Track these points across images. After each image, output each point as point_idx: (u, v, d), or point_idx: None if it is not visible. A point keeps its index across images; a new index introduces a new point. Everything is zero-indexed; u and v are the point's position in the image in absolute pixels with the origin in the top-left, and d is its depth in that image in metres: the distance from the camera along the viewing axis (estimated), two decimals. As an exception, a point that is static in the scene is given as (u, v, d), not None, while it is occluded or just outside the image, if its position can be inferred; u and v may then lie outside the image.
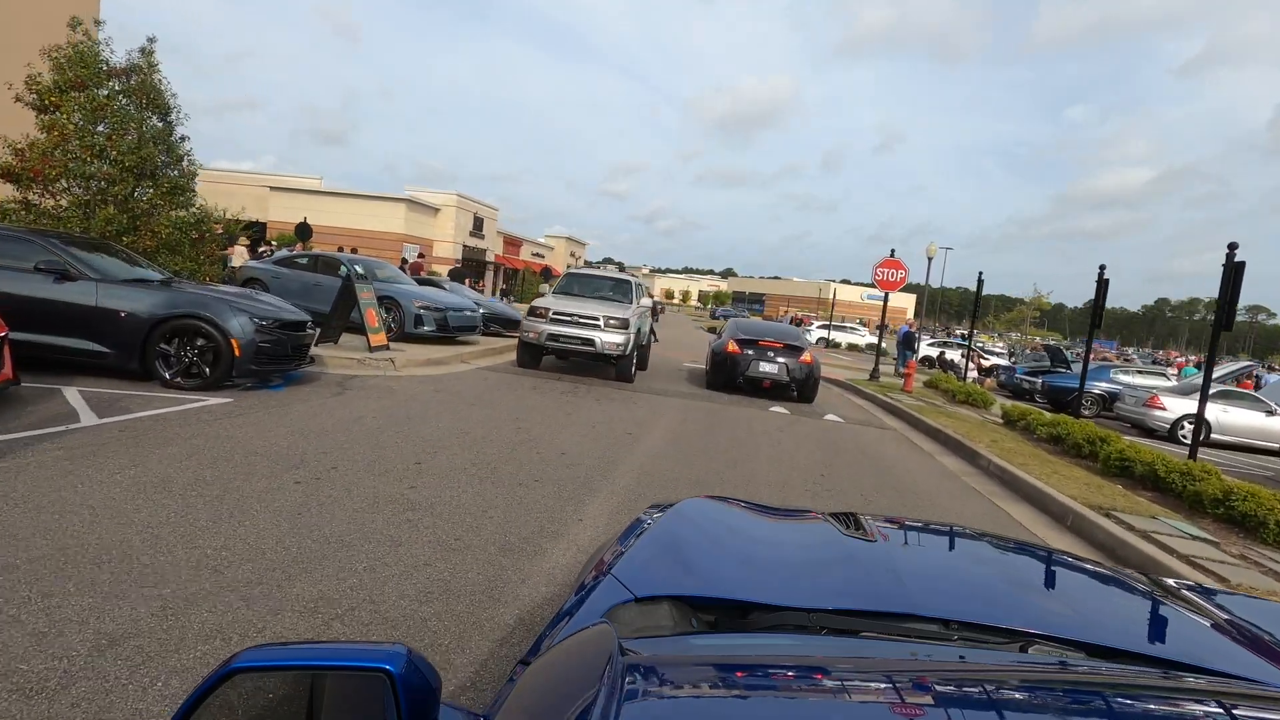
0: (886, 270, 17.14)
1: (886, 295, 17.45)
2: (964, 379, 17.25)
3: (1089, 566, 1.81)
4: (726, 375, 12.16)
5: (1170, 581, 1.80)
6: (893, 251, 17.24)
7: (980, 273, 16.49)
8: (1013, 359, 27.90)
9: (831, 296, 45.94)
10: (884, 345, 20.31)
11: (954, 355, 26.59)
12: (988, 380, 18.29)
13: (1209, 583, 4.23)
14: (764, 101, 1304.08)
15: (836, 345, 38.85)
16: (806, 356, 12.13)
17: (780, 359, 11.97)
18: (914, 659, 1.07)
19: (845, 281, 50.01)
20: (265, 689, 0.84)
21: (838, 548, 1.66)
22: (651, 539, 1.62)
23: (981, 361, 24.48)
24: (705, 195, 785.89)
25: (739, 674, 0.96)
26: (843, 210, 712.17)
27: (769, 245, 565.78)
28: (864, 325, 52.27)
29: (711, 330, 17.93)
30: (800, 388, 12.19)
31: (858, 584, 1.44)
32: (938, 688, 0.90)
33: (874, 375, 17.29)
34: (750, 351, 12.02)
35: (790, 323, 46.78)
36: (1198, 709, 0.89)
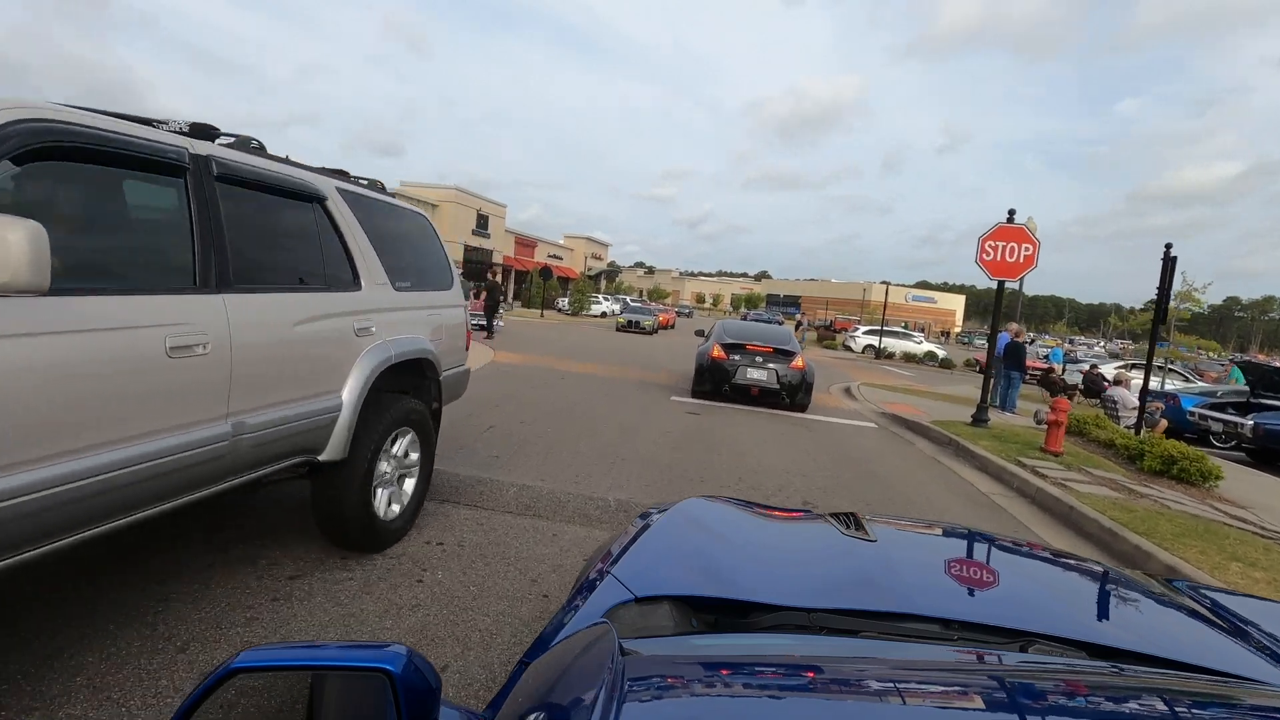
0: (1001, 245, 10.42)
1: (1001, 285, 10.70)
2: (1140, 426, 10.33)
3: (1089, 566, 1.80)
4: (712, 383, 11.18)
5: (1171, 581, 1.79)
6: (1011, 215, 10.52)
7: (1168, 246, 9.73)
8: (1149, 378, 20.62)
9: (883, 298, 38.79)
10: (945, 361, 13.73)
11: (1064, 373, 19.53)
12: (1161, 423, 11.46)
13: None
14: (825, 104, 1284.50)
15: (890, 355, 31.78)
16: (798, 361, 11.19)
17: (769, 364, 11.04)
18: (914, 659, 1.05)
19: (886, 283, 43.02)
20: (265, 689, 0.83)
21: (838, 548, 1.64)
22: (652, 539, 1.60)
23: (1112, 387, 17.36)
24: (754, 199, 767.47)
25: (739, 674, 0.95)
26: (897, 212, 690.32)
27: (811, 248, 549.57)
28: (919, 331, 45.07)
29: (700, 334, 13.88)
30: (791, 395, 11.12)
31: (858, 584, 1.41)
32: (937, 688, 0.89)
33: (980, 417, 10.59)
34: (737, 356, 11.09)
35: (802, 325, 40.21)
36: (1198, 708, 0.89)
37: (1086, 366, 19.04)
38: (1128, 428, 11.22)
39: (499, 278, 44.02)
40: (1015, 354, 14.11)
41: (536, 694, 0.93)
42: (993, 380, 15.37)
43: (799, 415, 10.86)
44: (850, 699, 0.87)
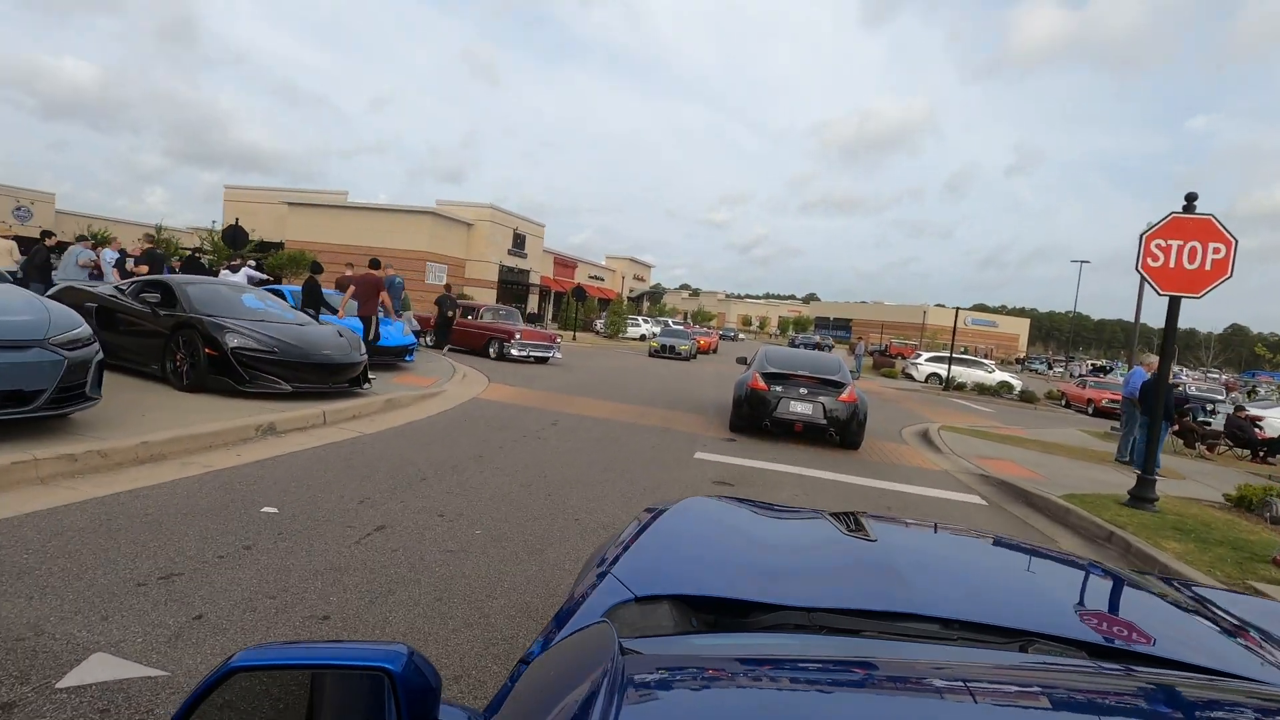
0: (1176, 246, 7.17)
1: (1175, 301, 7.42)
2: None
3: (1089, 566, 1.77)
4: (751, 417, 10.05)
5: (1170, 581, 1.77)
6: (1191, 202, 7.25)
7: None
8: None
9: (946, 321, 34.96)
10: (1025, 394, 10.17)
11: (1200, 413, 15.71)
12: None
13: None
14: (890, 125, 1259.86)
15: (960, 386, 27.99)
16: (848, 394, 9.95)
17: (817, 397, 9.83)
18: (914, 659, 1.05)
19: (955, 307, 38.92)
20: (265, 689, 0.82)
21: (838, 547, 1.63)
22: (652, 538, 1.58)
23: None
24: (810, 223, 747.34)
25: (739, 674, 0.95)
26: (958, 235, 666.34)
27: (866, 271, 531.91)
28: (985, 358, 40.91)
29: (742, 361, 12.53)
30: (841, 431, 9.87)
31: (858, 583, 1.41)
32: (938, 687, 0.89)
33: (1143, 495, 7.29)
34: (779, 387, 9.92)
35: (858, 350, 36.82)
36: (1198, 709, 0.88)
37: (1231, 409, 15.26)
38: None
39: (519, 290, 41.77)
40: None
41: (536, 693, 0.93)
42: (1121, 426, 12.00)
43: (874, 485, 7.77)
44: (851, 698, 0.87)
